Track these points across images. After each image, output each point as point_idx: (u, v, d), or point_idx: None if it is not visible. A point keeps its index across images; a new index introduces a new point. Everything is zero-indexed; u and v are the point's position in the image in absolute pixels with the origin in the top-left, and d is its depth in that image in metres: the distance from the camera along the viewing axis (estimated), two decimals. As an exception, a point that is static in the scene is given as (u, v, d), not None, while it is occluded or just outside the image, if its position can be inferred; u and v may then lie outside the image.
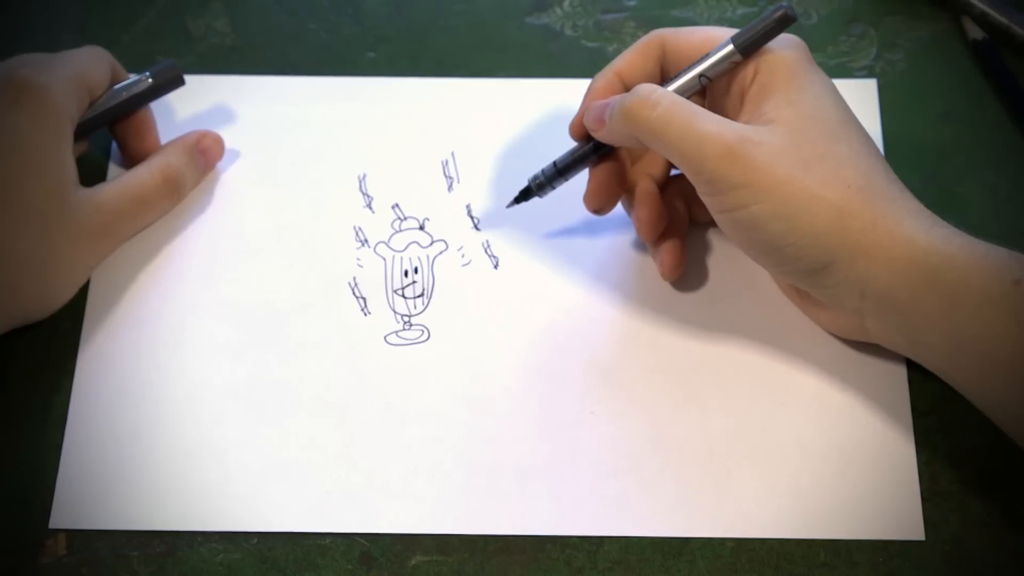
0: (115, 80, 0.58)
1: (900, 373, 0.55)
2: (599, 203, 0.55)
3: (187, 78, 0.62)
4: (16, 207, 0.51)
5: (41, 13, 0.64)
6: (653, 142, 0.50)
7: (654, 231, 0.54)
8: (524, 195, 0.56)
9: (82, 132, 0.56)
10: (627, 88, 0.53)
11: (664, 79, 0.54)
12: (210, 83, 0.62)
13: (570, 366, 0.55)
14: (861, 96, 0.61)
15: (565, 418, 0.54)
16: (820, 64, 0.62)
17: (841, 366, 0.55)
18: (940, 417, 0.54)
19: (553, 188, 0.56)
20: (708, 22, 0.63)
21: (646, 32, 0.63)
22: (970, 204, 0.58)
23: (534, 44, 0.63)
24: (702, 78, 0.52)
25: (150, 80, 0.57)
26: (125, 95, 0.57)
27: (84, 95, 0.55)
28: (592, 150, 0.55)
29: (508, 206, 0.57)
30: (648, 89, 0.50)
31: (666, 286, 0.57)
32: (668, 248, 0.55)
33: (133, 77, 0.58)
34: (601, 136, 0.53)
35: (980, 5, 0.62)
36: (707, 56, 0.52)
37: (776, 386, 0.55)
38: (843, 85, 0.62)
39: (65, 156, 0.53)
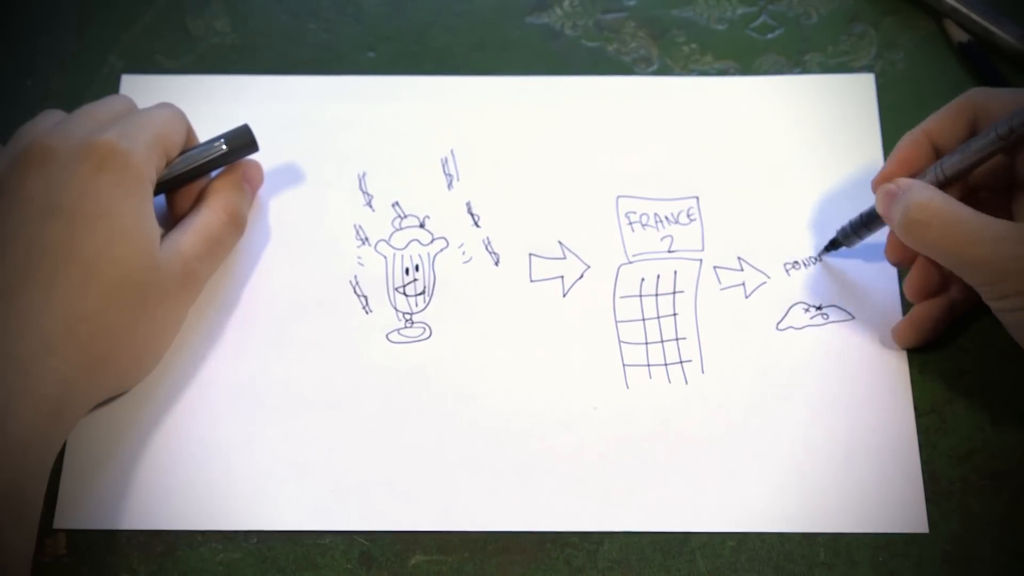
0: (188, 142, 0.57)
1: (903, 368, 0.55)
2: (898, 258, 0.55)
3: (187, 78, 0.62)
4: (106, 274, 0.50)
5: (42, 13, 0.64)
6: (929, 256, 0.51)
7: (919, 294, 0.54)
8: (832, 245, 0.56)
9: (154, 194, 0.55)
10: (936, 149, 0.53)
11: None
12: (210, 83, 0.62)
13: (572, 362, 0.55)
14: (858, 91, 0.61)
15: (567, 414, 0.54)
16: (820, 64, 0.62)
17: (844, 361, 0.55)
18: (940, 417, 0.54)
19: (860, 239, 0.56)
20: (708, 22, 0.63)
21: (645, 32, 0.63)
22: (970, 204, 0.58)
23: (534, 44, 0.63)
24: (1001, 139, 0.50)
25: (224, 147, 0.57)
26: (199, 161, 0.56)
27: (162, 159, 0.54)
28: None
29: (819, 255, 0.57)
30: (919, 206, 0.50)
31: (669, 280, 0.57)
32: (915, 312, 0.54)
33: (204, 142, 0.57)
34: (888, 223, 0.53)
35: (960, 7, 0.62)
36: (1013, 115, 0.50)
37: (779, 381, 0.55)
38: (840, 80, 0.62)
39: (150, 218, 0.52)
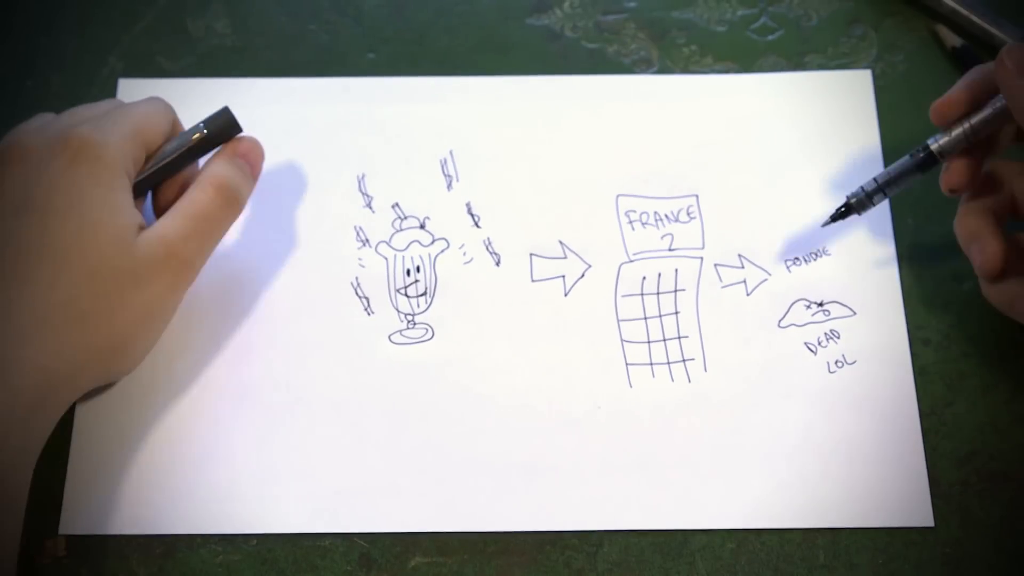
0: (173, 133, 0.56)
1: (905, 363, 0.55)
2: (963, 183, 0.53)
3: (185, 81, 0.62)
4: (77, 264, 0.50)
5: (42, 13, 0.64)
6: None
7: (996, 269, 0.52)
8: (842, 213, 0.55)
9: (139, 191, 0.54)
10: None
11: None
12: (208, 86, 0.62)
13: (575, 361, 0.55)
14: (855, 88, 0.61)
15: (570, 414, 0.54)
16: (820, 66, 0.62)
17: (846, 357, 0.55)
18: (940, 419, 0.54)
19: (874, 205, 0.55)
20: (708, 24, 0.63)
21: (646, 33, 0.63)
22: (970, 205, 0.58)
23: (534, 45, 0.63)
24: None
25: (204, 131, 0.55)
26: (181, 148, 0.55)
27: (140, 149, 0.54)
28: (918, 165, 0.54)
29: (824, 224, 0.56)
30: None
31: (671, 278, 0.57)
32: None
33: (186, 130, 0.56)
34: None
35: (959, 9, 0.62)
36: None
37: (782, 379, 0.55)
38: (838, 76, 0.62)
39: (123, 206, 0.52)
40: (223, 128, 0.55)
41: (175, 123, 0.56)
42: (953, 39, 0.62)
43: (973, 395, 0.54)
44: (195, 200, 0.54)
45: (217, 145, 0.56)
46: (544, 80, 0.62)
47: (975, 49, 0.62)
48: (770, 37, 0.63)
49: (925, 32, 0.63)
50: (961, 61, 0.62)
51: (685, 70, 0.62)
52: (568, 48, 0.63)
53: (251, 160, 0.56)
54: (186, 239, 0.53)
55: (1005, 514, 0.52)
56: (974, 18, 0.62)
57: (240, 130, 0.56)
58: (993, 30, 0.62)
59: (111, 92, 0.61)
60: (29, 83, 0.62)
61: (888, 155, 0.59)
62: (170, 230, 0.53)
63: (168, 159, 0.55)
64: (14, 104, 0.61)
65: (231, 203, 0.55)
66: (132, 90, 0.61)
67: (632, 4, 0.64)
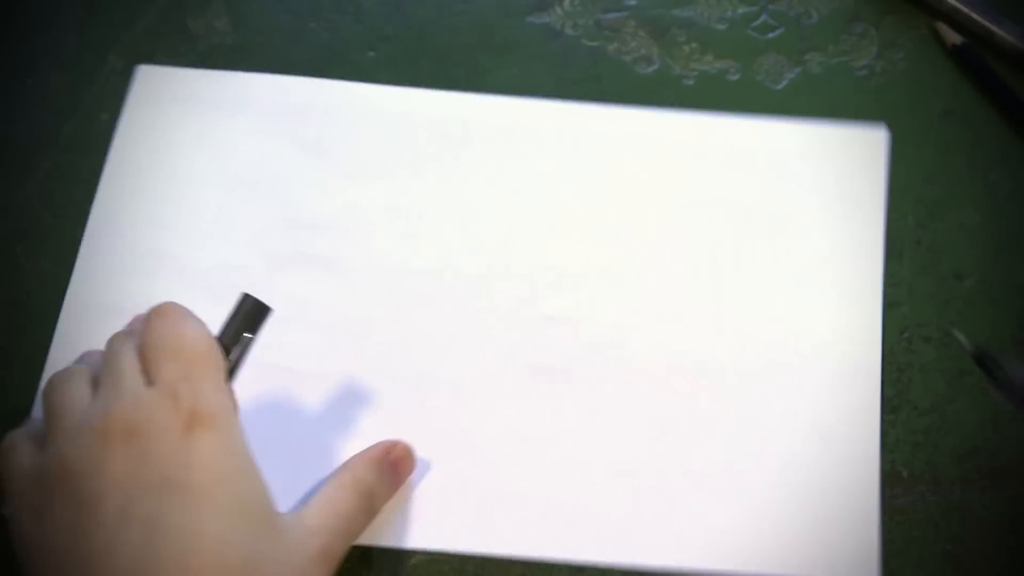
0: None
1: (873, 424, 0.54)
2: None
3: (209, 72, 0.62)
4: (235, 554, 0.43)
5: (42, 12, 0.64)
6: None
7: None
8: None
9: None
10: None
11: None
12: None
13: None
14: (863, 148, 0.59)
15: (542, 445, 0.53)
16: (820, 63, 0.62)
17: (817, 407, 0.54)
18: (942, 416, 0.54)
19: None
20: (709, 22, 0.63)
21: (646, 31, 0.63)
22: (971, 204, 0.58)
23: (535, 43, 0.63)
24: None
25: (250, 336, 0.47)
26: (241, 361, 0.47)
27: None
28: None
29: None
30: None
31: (651, 314, 0.57)
32: None
33: (225, 333, 0.47)
34: None
35: (960, 7, 0.62)
36: None
37: (758, 422, 0.53)
38: (847, 128, 0.60)
39: (261, 477, 0.45)
40: (258, 321, 0.47)
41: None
42: (953, 37, 0.62)
43: (974, 392, 0.54)
44: (336, 500, 0.49)
45: (255, 329, 0.47)
46: (540, 105, 0.61)
47: (975, 47, 0.62)
48: (770, 35, 0.63)
49: (925, 30, 0.63)
50: (961, 59, 0.62)
51: (685, 68, 0.62)
52: (568, 46, 0.63)
53: (399, 470, 0.52)
54: (333, 536, 0.48)
55: (1006, 511, 0.52)
56: (975, 16, 0.62)
57: (270, 309, 0.47)
58: (994, 28, 0.62)
59: (112, 90, 0.61)
60: (30, 82, 0.62)
61: (891, 156, 0.59)
62: (318, 524, 0.47)
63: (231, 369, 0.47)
64: (14, 103, 0.61)
65: (368, 512, 0.50)
66: (151, 77, 0.61)
67: (632, 2, 0.64)
